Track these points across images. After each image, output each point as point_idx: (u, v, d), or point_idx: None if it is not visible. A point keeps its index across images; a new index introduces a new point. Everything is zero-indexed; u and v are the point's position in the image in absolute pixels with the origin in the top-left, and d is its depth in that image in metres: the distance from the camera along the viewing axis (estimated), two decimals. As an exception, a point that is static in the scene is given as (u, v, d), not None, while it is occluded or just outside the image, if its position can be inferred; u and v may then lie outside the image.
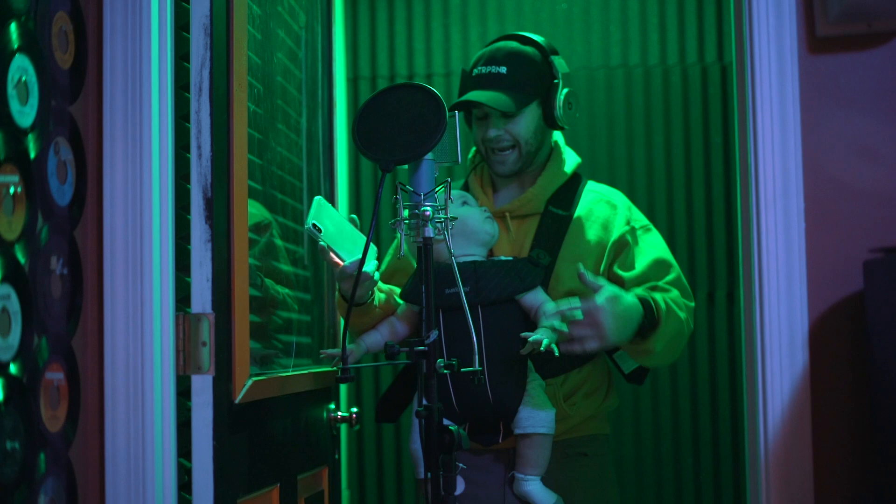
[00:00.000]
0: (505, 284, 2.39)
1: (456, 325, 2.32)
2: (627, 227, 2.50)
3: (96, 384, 2.03)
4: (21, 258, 1.78)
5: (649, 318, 2.32)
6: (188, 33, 2.10)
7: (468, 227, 2.42)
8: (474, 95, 2.47)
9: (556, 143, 2.61)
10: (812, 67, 2.12)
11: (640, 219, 2.55)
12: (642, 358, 2.43)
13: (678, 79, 3.73)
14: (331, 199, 2.90)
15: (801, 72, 2.11)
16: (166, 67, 2.07)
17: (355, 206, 3.81)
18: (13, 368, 1.75)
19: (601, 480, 2.58)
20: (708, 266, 3.69)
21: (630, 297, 2.29)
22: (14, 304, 1.75)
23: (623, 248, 2.48)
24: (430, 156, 2.07)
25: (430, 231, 2.02)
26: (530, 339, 2.26)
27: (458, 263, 2.35)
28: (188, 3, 2.10)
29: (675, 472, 3.71)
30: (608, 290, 2.25)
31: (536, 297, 2.41)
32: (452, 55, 3.83)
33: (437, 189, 2.06)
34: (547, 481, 2.43)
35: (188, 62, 2.10)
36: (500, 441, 2.44)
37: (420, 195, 2.05)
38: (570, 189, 2.57)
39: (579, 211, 2.53)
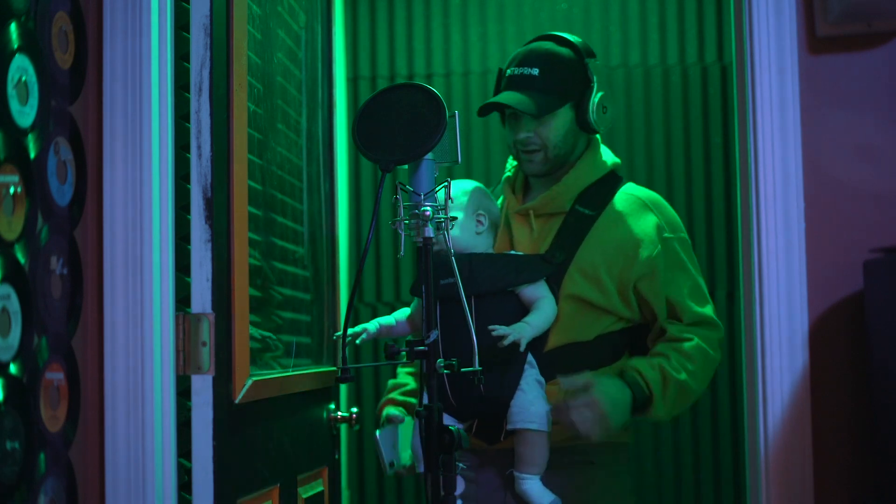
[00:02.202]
0: (499, 277, 2.38)
1: (453, 317, 2.30)
2: (659, 247, 2.46)
3: (96, 384, 2.03)
4: (21, 258, 1.78)
5: (640, 397, 2.35)
6: (188, 33, 2.10)
7: None
8: (504, 97, 2.46)
9: (592, 141, 2.57)
10: (812, 67, 2.12)
11: (673, 228, 2.50)
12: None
13: (678, 79, 3.73)
14: (331, 198, 2.90)
15: (801, 72, 2.11)
16: (166, 67, 2.07)
17: (355, 205, 3.82)
18: (13, 368, 1.75)
19: (611, 493, 2.50)
20: (708, 266, 3.69)
21: (614, 388, 2.33)
22: (14, 304, 1.75)
23: (653, 271, 2.44)
24: (430, 156, 2.07)
25: (430, 231, 2.02)
26: (496, 332, 2.27)
27: (455, 255, 2.35)
28: (188, 3, 2.10)
29: (675, 472, 3.71)
30: (597, 387, 2.30)
31: (536, 291, 2.40)
32: (452, 55, 3.83)
33: (439, 189, 2.06)
34: (551, 489, 2.41)
35: (188, 62, 2.10)
36: (503, 439, 2.43)
37: (420, 195, 2.05)
38: (604, 189, 2.53)
39: (606, 212, 2.49)
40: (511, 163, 2.68)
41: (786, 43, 2.11)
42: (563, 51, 2.50)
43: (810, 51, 2.13)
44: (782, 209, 2.10)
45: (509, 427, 2.37)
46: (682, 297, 2.45)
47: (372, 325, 2.50)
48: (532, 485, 2.37)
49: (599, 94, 2.48)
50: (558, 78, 2.47)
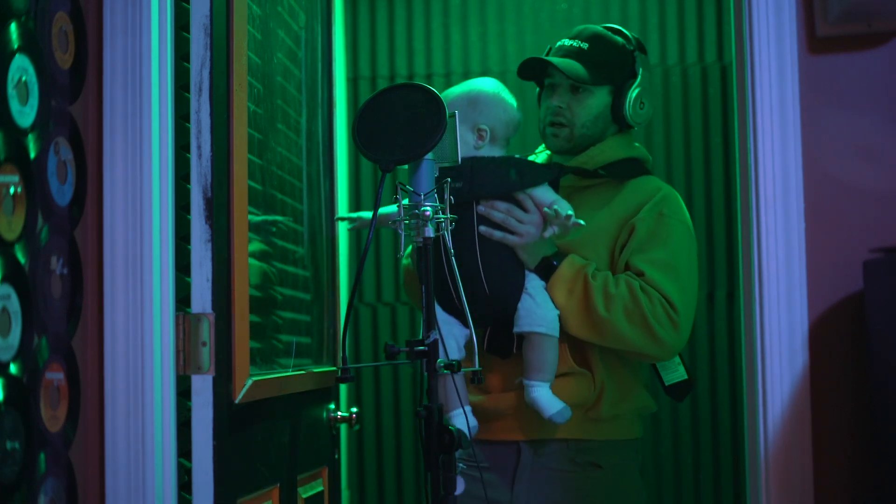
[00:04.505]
0: (501, 180, 2.35)
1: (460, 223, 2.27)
2: (648, 213, 2.42)
3: (96, 384, 2.03)
4: (21, 258, 1.78)
5: (551, 262, 2.36)
6: (188, 33, 2.10)
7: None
8: (553, 59, 2.48)
9: (624, 131, 2.57)
10: (812, 67, 2.12)
11: (674, 211, 2.45)
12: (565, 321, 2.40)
13: (678, 79, 3.73)
14: (331, 198, 2.90)
15: (801, 72, 2.11)
16: (166, 67, 2.07)
17: (355, 206, 3.81)
18: (13, 368, 1.75)
19: (618, 496, 2.46)
20: (708, 266, 3.69)
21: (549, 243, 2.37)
22: (14, 304, 1.75)
23: (632, 232, 2.41)
24: (429, 156, 2.07)
25: (430, 231, 2.02)
26: (554, 206, 2.27)
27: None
28: (188, 3, 2.10)
29: (674, 472, 3.71)
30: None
31: (545, 196, 2.37)
32: (452, 55, 3.83)
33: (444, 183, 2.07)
34: (553, 491, 2.39)
35: (188, 62, 2.10)
36: (514, 351, 2.40)
37: (420, 195, 2.05)
38: (630, 168, 2.52)
39: (626, 188, 2.49)
40: (539, 153, 2.68)
41: (786, 43, 2.11)
42: (616, 37, 2.53)
43: (810, 51, 2.13)
44: (782, 209, 2.10)
45: (516, 330, 2.35)
46: (639, 263, 2.37)
47: (366, 213, 2.54)
48: (541, 392, 2.34)
49: (637, 90, 2.49)
50: (605, 58, 2.49)
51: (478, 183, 2.33)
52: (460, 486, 2.37)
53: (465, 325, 2.33)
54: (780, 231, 2.10)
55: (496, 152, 2.42)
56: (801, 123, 2.10)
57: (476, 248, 2.35)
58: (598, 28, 2.55)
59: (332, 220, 2.89)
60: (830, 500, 2.08)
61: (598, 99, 2.48)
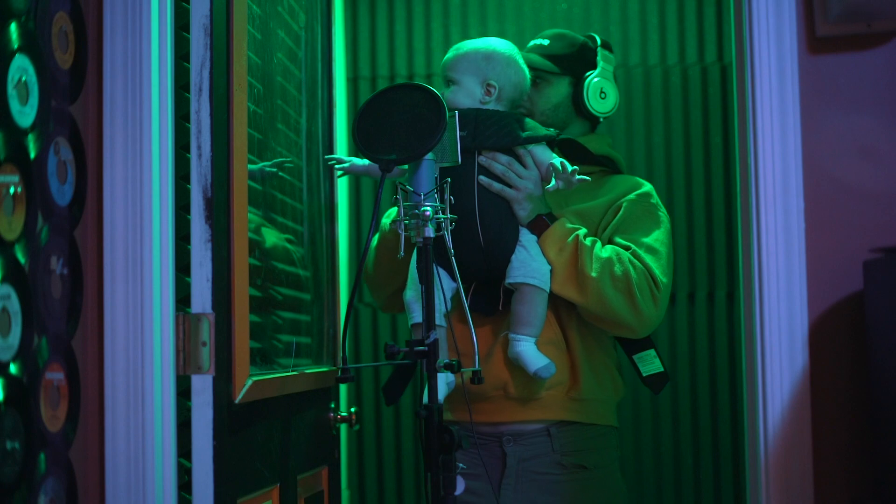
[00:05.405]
0: (503, 134, 2.38)
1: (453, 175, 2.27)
2: (637, 198, 2.48)
3: (96, 384, 2.03)
4: (21, 258, 1.78)
5: (543, 219, 2.38)
6: (188, 33, 2.10)
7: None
8: None
9: (596, 129, 2.66)
10: (812, 67, 2.12)
11: (659, 207, 2.51)
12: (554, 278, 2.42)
13: (678, 79, 3.73)
14: (330, 198, 2.90)
15: (801, 72, 2.11)
16: (166, 67, 2.07)
17: (355, 206, 3.81)
18: (13, 368, 1.75)
19: (602, 498, 2.48)
20: (708, 266, 3.69)
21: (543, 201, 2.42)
22: (14, 304, 1.75)
23: (618, 212, 2.47)
24: (429, 156, 2.07)
25: (430, 231, 2.02)
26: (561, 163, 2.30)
27: (461, 112, 2.36)
28: (188, 3, 2.10)
29: (675, 472, 3.71)
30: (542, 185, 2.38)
31: (545, 154, 2.40)
32: (452, 55, 3.83)
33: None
34: (540, 496, 2.38)
35: (188, 62, 2.10)
36: (500, 308, 2.41)
37: (420, 195, 2.05)
38: (614, 167, 2.61)
39: (609, 182, 2.55)
40: None
41: (786, 43, 2.11)
42: (579, 36, 2.63)
43: (810, 51, 2.13)
44: (782, 209, 2.10)
45: (509, 281, 2.36)
46: (624, 241, 2.42)
47: (358, 159, 2.52)
48: (526, 346, 2.35)
49: (596, 80, 2.55)
50: (564, 52, 2.58)
51: (481, 134, 2.36)
52: (460, 487, 2.38)
53: (454, 278, 2.34)
54: (780, 231, 2.10)
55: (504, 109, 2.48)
56: (801, 123, 2.10)
57: (475, 198, 2.36)
58: (564, 29, 2.68)
59: (332, 220, 2.90)
60: (830, 500, 2.08)
61: (557, 89, 2.57)
